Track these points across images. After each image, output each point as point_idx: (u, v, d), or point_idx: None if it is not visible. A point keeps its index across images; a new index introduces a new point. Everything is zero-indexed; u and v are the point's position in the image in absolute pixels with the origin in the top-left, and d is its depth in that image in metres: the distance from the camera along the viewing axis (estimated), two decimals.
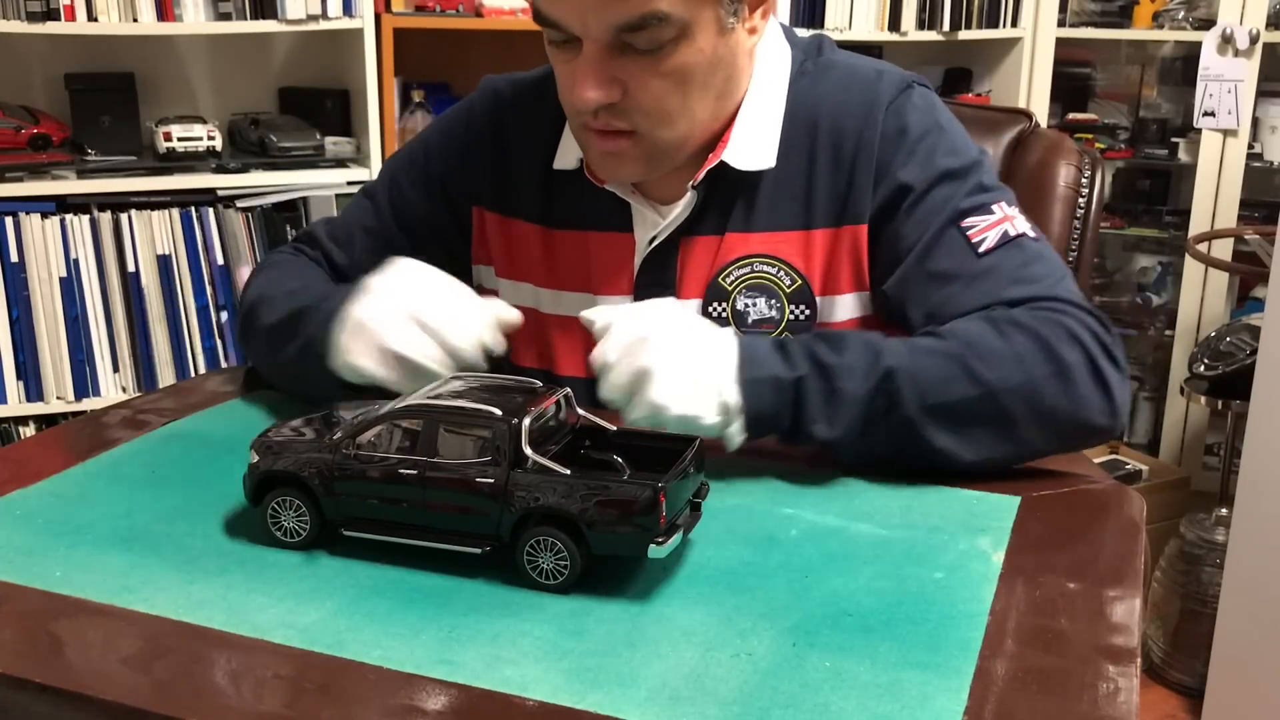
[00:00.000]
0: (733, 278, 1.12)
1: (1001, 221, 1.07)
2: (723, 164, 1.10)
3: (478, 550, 0.79)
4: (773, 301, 1.12)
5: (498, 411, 0.79)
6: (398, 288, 1.01)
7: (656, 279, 1.14)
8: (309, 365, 1.03)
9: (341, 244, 1.25)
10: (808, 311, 1.12)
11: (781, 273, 1.11)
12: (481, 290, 1.26)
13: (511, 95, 1.21)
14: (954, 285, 1.05)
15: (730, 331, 0.96)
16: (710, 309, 1.13)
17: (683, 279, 1.14)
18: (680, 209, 1.12)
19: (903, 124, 1.10)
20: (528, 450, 0.78)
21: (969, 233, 1.06)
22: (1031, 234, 1.08)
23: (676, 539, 0.77)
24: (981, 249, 1.05)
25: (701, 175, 1.10)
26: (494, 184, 1.21)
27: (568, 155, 1.16)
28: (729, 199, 1.12)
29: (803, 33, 1.23)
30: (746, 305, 1.12)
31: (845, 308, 1.13)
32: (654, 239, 1.14)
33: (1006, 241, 1.06)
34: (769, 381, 0.93)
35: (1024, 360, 0.96)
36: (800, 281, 1.12)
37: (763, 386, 0.93)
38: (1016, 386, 0.95)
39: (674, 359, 0.90)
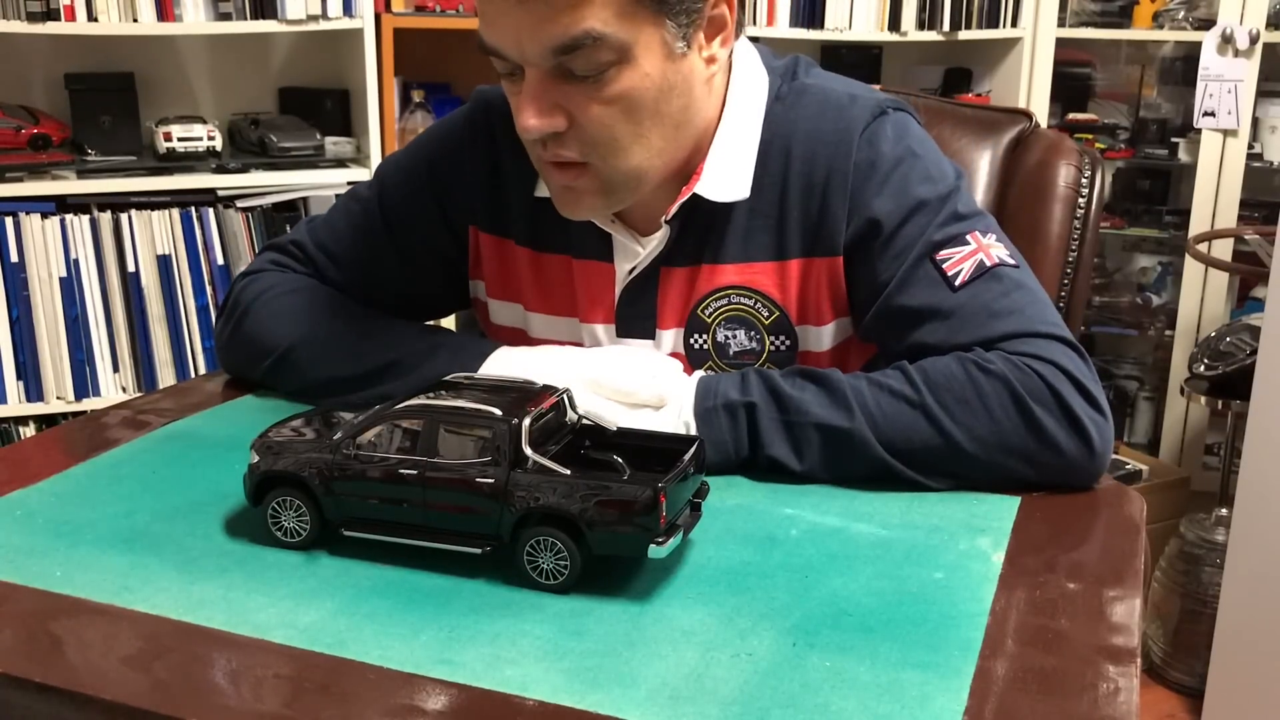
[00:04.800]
0: (711, 309, 1.10)
1: (976, 252, 1.04)
2: (697, 196, 1.07)
3: (478, 550, 0.79)
4: (752, 333, 1.10)
5: (498, 411, 0.79)
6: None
7: (637, 309, 1.13)
8: None
9: (334, 258, 1.20)
10: (788, 342, 1.10)
11: (759, 304, 1.09)
12: (477, 303, 1.25)
13: (502, 113, 1.15)
14: (931, 322, 1.02)
15: (696, 373, 1.01)
16: (692, 340, 1.12)
17: (663, 309, 1.12)
18: (656, 242, 1.10)
19: (875, 153, 1.07)
20: (528, 450, 0.78)
21: (944, 265, 1.03)
22: (1010, 261, 1.04)
23: (676, 539, 0.77)
24: (957, 282, 1.02)
25: (674, 209, 1.07)
26: (487, 205, 1.18)
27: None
28: (705, 229, 1.10)
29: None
30: (727, 337, 1.11)
31: (829, 336, 1.11)
32: (633, 269, 1.12)
33: (983, 273, 1.02)
34: (722, 408, 0.96)
35: (992, 410, 0.94)
36: (778, 313, 1.09)
37: (717, 414, 0.96)
38: (982, 436, 0.94)
39: (625, 361, 1.00)
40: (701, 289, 1.10)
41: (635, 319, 1.13)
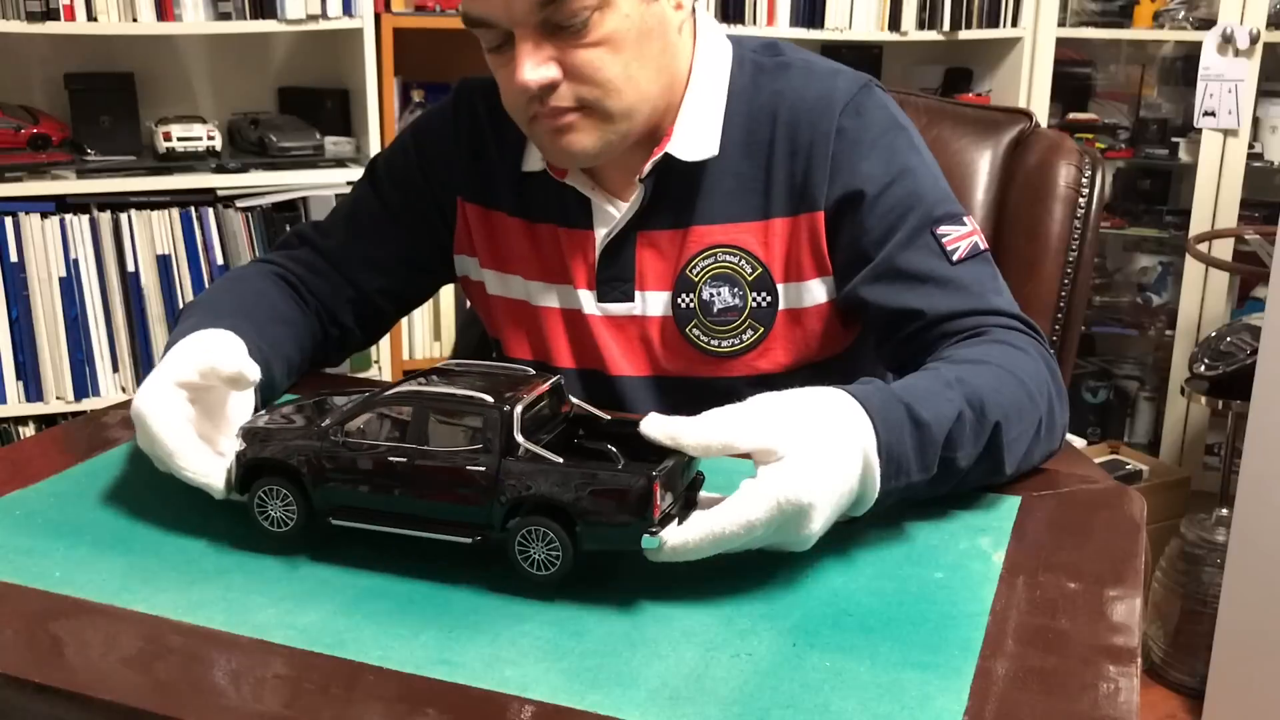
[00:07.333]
0: (699, 269, 1.16)
1: (972, 234, 1.10)
2: (671, 158, 1.12)
3: (468, 540, 0.77)
4: (735, 290, 1.15)
5: (489, 398, 0.78)
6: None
7: (613, 273, 1.18)
8: None
9: (327, 231, 1.27)
10: (769, 298, 1.15)
11: (743, 261, 1.15)
12: (467, 281, 1.29)
13: (485, 96, 1.22)
14: (928, 287, 1.08)
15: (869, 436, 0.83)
16: (679, 300, 1.17)
17: (643, 273, 1.17)
18: (631, 203, 1.15)
19: (861, 120, 1.12)
20: (519, 438, 0.77)
21: (944, 240, 1.09)
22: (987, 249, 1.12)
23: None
24: (955, 257, 1.09)
25: (648, 168, 1.13)
26: (473, 177, 1.23)
27: (534, 158, 1.19)
28: (681, 193, 1.15)
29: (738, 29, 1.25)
30: (711, 295, 1.15)
31: (813, 293, 1.15)
32: (610, 233, 1.17)
33: (977, 253, 1.10)
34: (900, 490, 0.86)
35: (1044, 398, 0.99)
36: (760, 269, 1.15)
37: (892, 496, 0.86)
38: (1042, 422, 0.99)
39: (833, 503, 0.79)
40: (690, 250, 1.16)
41: (612, 283, 1.18)
